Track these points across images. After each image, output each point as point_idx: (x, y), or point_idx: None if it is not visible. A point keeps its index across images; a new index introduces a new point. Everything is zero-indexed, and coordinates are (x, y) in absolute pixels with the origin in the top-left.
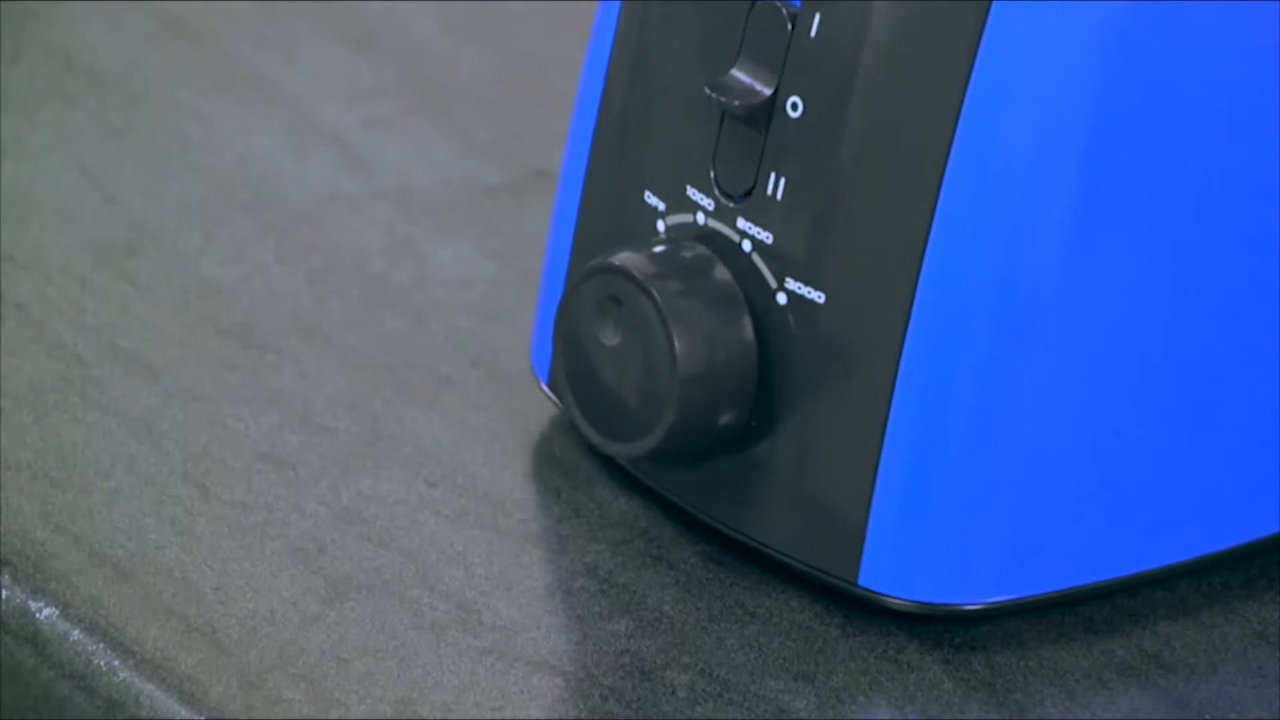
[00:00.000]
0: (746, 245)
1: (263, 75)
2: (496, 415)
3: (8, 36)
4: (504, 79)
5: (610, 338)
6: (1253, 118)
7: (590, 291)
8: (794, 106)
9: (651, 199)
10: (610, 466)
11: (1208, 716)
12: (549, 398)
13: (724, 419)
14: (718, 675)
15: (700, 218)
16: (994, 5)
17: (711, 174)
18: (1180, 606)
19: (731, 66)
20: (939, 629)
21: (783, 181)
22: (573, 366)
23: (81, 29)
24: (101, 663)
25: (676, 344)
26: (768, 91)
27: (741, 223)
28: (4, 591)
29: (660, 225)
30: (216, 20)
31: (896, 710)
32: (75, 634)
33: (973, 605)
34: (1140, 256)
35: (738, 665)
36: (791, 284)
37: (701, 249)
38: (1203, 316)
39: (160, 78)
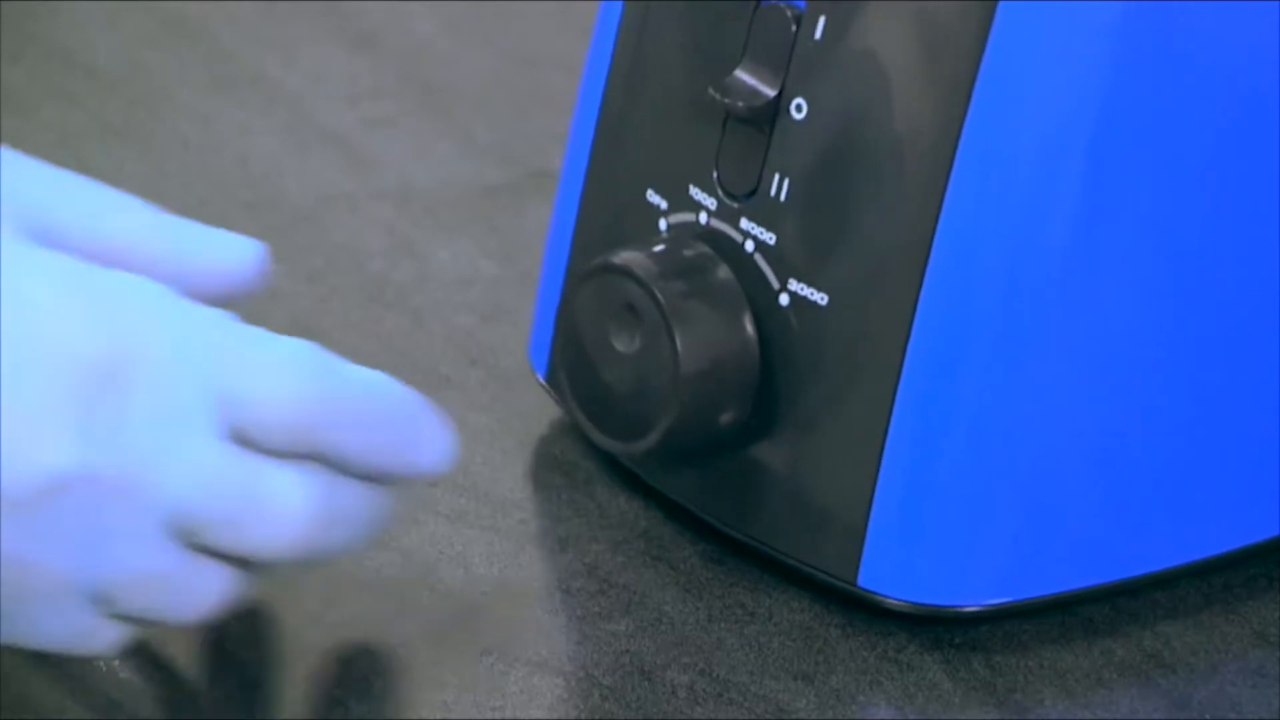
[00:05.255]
0: (749, 245)
1: (263, 75)
2: (496, 415)
3: (8, 36)
4: (504, 79)
5: (626, 345)
6: (1259, 119)
7: (592, 290)
8: (798, 108)
9: (654, 198)
10: (610, 466)
11: (1208, 716)
12: (547, 392)
13: (725, 418)
14: (718, 675)
15: (703, 217)
16: (1000, 5)
17: (715, 174)
18: (1180, 607)
19: (735, 67)
20: (939, 629)
21: (786, 182)
22: (574, 365)
23: (81, 29)
24: (101, 663)
25: (678, 343)
26: (772, 93)
27: (744, 223)
28: None
29: (662, 224)
30: (216, 20)
31: (896, 710)
32: None
33: (972, 607)
34: (1143, 258)
35: (738, 665)
36: (794, 285)
37: (704, 248)
38: (1205, 320)
39: (160, 78)
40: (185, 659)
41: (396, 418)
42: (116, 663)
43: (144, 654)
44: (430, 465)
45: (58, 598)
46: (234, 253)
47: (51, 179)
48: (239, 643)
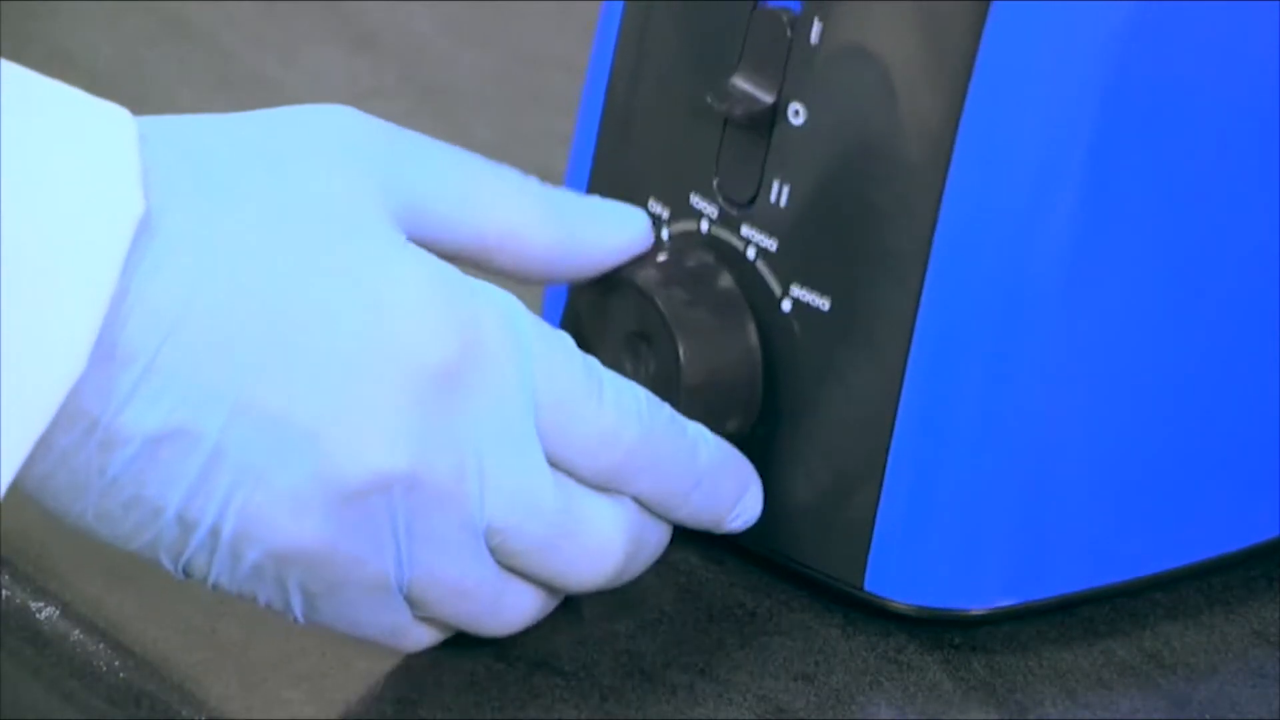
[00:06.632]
0: (751, 252)
1: (263, 75)
2: None
3: (8, 36)
4: (504, 79)
5: (630, 355)
6: (1256, 118)
7: (594, 300)
8: (796, 113)
9: (655, 207)
10: None
11: (1208, 716)
12: None
13: (729, 425)
14: (718, 675)
15: (704, 225)
16: (993, 5)
17: (715, 181)
18: (1180, 607)
19: (732, 74)
20: (939, 629)
21: (786, 188)
22: None
23: (81, 29)
24: (101, 663)
25: (681, 351)
26: (769, 99)
27: (745, 229)
28: (4, 591)
29: (664, 233)
30: (216, 20)
31: (896, 710)
32: (75, 634)
33: (978, 609)
34: (1143, 260)
35: (738, 665)
36: (796, 290)
37: (706, 256)
38: (1205, 322)
39: (160, 78)
40: (185, 659)
41: (713, 474)
42: (116, 663)
43: (143, 654)
44: (736, 528)
45: (369, 593)
46: (622, 227)
47: (422, 153)
48: (239, 642)
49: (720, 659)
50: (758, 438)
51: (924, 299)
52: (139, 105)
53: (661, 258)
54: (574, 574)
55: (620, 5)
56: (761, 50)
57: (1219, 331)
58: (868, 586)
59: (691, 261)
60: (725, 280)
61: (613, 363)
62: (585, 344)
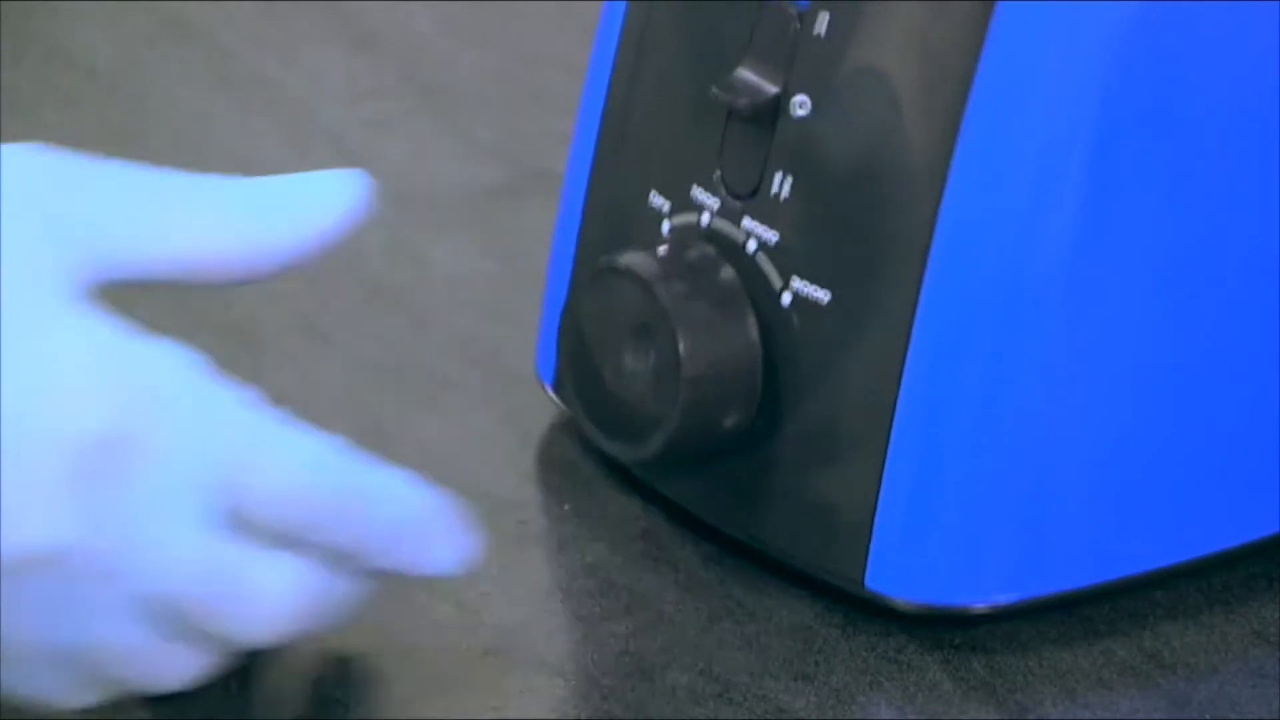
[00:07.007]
0: (751, 245)
1: (263, 75)
2: (497, 416)
3: (8, 36)
4: (504, 79)
5: (631, 348)
6: (1259, 119)
7: (595, 294)
8: (800, 105)
9: (656, 199)
10: (610, 467)
11: (1208, 716)
12: (553, 401)
13: (729, 419)
14: (718, 675)
15: (705, 218)
16: (999, 4)
17: (717, 173)
18: (1180, 606)
19: (737, 66)
20: (939, 629)
21: (788, 181)
22: (578, 369)
23: (81, 29)
24: None
25: (681, 344)
26: (774, 90)
27: (747, 222)
28: None
29: (665, 226)
30: (216, 20)
31: (896, 710)
32: None
33: (978, 606)
34: (1144, 257)
35: (738, 665)
36: (796, 283)
37: (707, 249)
38: (1205, 319)
39: (160, 78)
40: None
41: (409, 525)
42: None
43: None
44: (439, 572)
45: (28, 662)
46: (326, 200)
47: (104, 189)
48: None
49: (720, 659)
50: (757, 432)
51: (924, 293)
52: (139, 105)
53: (662, 250)
54: (241, 633)
55: (622, 5)
56: (768, 43)
57: (1219, 328)
58: (868, 584)
59: (692, 254)
60: (726, 273)
61: (613, 357)
62: (586, 339)
